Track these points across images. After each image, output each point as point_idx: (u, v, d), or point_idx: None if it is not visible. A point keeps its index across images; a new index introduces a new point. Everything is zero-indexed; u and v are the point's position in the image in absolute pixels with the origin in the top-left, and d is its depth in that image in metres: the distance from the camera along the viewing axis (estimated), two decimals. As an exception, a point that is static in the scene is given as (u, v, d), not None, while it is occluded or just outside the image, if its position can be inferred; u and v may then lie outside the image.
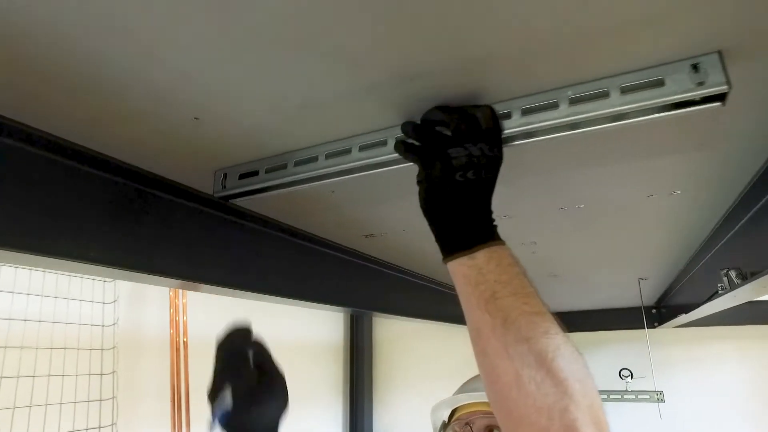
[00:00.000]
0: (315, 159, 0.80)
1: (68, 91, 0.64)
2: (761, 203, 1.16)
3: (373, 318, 4.05)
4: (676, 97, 0.62)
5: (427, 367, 4.03)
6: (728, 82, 0.60)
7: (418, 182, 0.67)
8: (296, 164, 0.82)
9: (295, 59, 0.58)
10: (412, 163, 0.75)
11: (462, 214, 0.63)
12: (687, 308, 1.97)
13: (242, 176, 0.88)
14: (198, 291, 1.09)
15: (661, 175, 1.03)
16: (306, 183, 0.83)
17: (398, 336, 4.15)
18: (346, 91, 0.66)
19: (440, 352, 3.98)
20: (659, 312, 2.93)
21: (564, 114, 0.66)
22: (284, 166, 0.83)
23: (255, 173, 0.86)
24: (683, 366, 3.22)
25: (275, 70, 0.60)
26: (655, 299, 3.00)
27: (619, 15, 0.53)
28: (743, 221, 1.29)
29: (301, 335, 3.62)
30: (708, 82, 0.61)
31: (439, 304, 2.34)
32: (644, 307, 2.44)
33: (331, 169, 0.79)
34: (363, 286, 1.59)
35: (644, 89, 0.63)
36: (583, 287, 2.41)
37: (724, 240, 1.49)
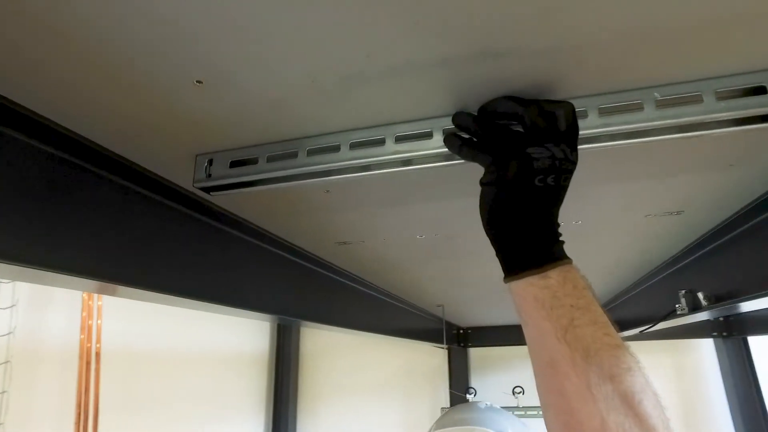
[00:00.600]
0: (336, 149, 0.66)
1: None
2: (735, 232, 1.18)
3: (301, 328, 3.85)
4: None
5: (354, 379, 3.90)
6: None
7: (485, 184, 0.56)
8: (310, 153, 0.67)
9: (359, 13, 0.45)
10: (454, 162, 0.64)
11: (535, 225, 0.54)
12: (633, 323, 2.01)
13: (235, 164, 0.71)
14: (111, 294, 0.86)
15: (665, 195, 0.99)
16: (320, 177, 0.68)
17: (326, 347, 3.97)
18: (404, 64, 0.52)
19: (368, 365, 3.87)
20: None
21: (650, 117, 0.57)
22: (294, 155, 0.67)
23: (253, 161, 0.70)
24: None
25: (328, 25, 0.46)
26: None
27: (729, 8, 0.46)
28: (710, 247, 1.31)
29: (224, 345, 3.34)
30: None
31: (386, 317, 2.23)
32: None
33: (355, 161, 0.65)
34: (303, 294, 1.43)
35: (742, 96, 0.56)
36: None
37: (683, 263, 1.52)
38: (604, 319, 0.51)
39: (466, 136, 0.59)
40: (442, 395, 3.67)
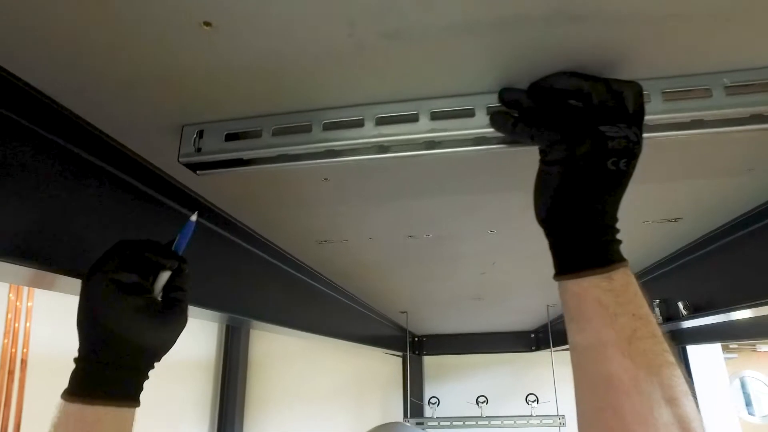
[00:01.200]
0: (359, 124, 0.56)
1: None
2: (722, 242, 1.18)
3: (251, 333, 3.66)
4: None
5: (304, 386, 3.74)
6: None
7: (551, 163, 0.48)
8: (326, 128, 0.57)
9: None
10: (492, 147, 0.56)
11: (600, 216, 0.48)
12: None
13: (231, 137, 0.60)
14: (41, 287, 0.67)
15: (667, 200, 0.96)
16: (336, 157, 0.58)
17: (275, 353, 3.78)
18: (461, 23, 0.44)
19: (318, 371, 3.72)
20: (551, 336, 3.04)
21: (716, 105, 0.52)
22: (306, 129, 0.57)
23: (255, 134, 0.59)
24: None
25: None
26: (539, 324, 3.12)
27: None
28: (694, 256, 1.31)
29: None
30: None
31: (348, 322, 2.13)
32: (551, 330, 2.49)
33: (381, 139, 0.55)
34: (260, 292, 1.30)
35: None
36: (498, 310, 2.39)
37: (660, 272, 1.52)
38: (660, 332, 0.46)
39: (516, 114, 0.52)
40: (394, 404, 3.59)
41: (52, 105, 0.56)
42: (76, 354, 0.53)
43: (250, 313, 1.06)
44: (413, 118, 0.55)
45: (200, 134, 0.60)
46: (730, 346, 4.26)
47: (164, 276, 0.57)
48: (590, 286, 0.46)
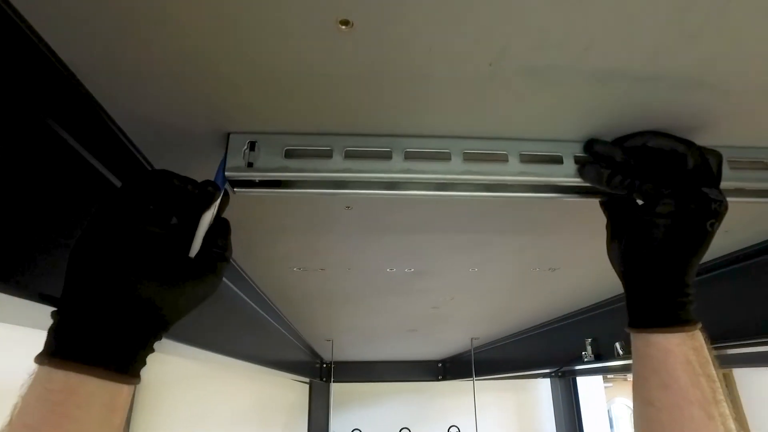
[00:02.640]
0: (447, 157, 0.52)
1: None
2: None
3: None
4: None
5: (201, 413, 3.44)
6: None
7: (658, 215, 0.49)
8: (408, 157, 0.52)
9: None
10: (569, 197, 0.56)
11: (687, 272, 0.50)
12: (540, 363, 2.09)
13: (291, 154, 0.53)
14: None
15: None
16: (420, 190, 0.54)
17: (171, 377, 3.44)
18: (606, 69, 0.43)
19: (218, 398, 3.45)
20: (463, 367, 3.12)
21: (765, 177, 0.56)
22: (386, 156, 0.52)
23: (324, 154, 0.52)
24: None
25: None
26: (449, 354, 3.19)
27: None
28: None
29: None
30: None
31: (269, 346, 2.00)
32: (474, 360, 2.55)
33: (467, 177, 0.52)
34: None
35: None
36: (426, 341, 2.40)
37: (593, 312, 1.63)
38: (723, 395, 0.48)
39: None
40: (300, 432, 3.44)
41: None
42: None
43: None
44: (502, 158, 0.52)
45: (251, 146, 0.52)
46: (608, 376, 4.72)
47: (205, 222, 0.46)
48: (680, 343, 0.47)
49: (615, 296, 1.46)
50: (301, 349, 2.60)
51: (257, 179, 0.53)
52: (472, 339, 2.29)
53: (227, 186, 0.50)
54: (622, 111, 0.50)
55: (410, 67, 0.42)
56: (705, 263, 1.12)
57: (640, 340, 0.50)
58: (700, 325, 0.48)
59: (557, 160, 0.53)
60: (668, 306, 0.48)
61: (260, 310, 1.45)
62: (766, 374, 3.65)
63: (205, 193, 0.44)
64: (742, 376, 3.71)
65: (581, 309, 1.62)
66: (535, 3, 0.35)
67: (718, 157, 0.51)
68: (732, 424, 0.45)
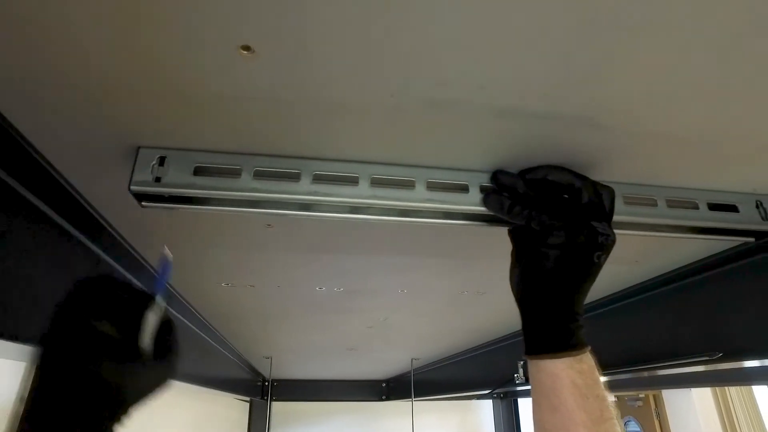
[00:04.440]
0: (354, 181, 0.54)
1: None
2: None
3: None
4: (746, 225, 0.63)
5: (129, 432, 3.28)
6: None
7: (550, 246, 0.51)
8: (315, 180, 0.53)
9: (521, 25, 0.37)
10: (475, 223, 0.58)
11: (576, 301, 0.52)
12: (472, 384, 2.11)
13: (201, 171, 0.53)
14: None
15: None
16: (325, 212, 0.55)
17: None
18: (503, 106, 0.46)
19: (152, 417, 3.31)
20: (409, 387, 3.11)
21: (661, 214, 0.61)
22: (294, 177, 0.53)
23: (233, 173, 0.53)
24: None
25: (477, 30, 0.37)
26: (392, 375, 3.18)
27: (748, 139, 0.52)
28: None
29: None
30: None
31: (206, 365, 1.94)
32: (413, 380, 2.55)
33: (374, 201, 0.54)
34: None
35: (726, 211, 0.63)
36: (368, 360, 2.38)
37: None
38: (614, 414, 0.50)
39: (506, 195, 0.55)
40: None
41: None
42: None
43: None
44: (409, 184, 0.54)
45: (160, 161, 0.52)
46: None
47: (150, 322, 0.49)
48: (567, 368, 0.49)
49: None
50: (240, 366, 2.54)
51: (166, 194, 0.53)
52: (412, 359, 2.30)
53: (159, 298, 0.51)
54: (526, 145, 0.53)
55: (314, 94, 0.44)
56: (618, 292, 1.18)
57: (533, 366, 0.52)
58: (587, 349, 0.50)
59: (463, 189, 0.55)
60: (556, 332, 0.50)
61: (192, 325, 1.42)
62: (689, 395, 3.83)
63: (145, 303, 0.49)
64: (670, 396, 3.90)
65: (513, 332, 1.67)
66: (431, 44, 0.37)
67: (612, 193, 0.55)
68: None
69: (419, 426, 3.69)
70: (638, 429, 4.43)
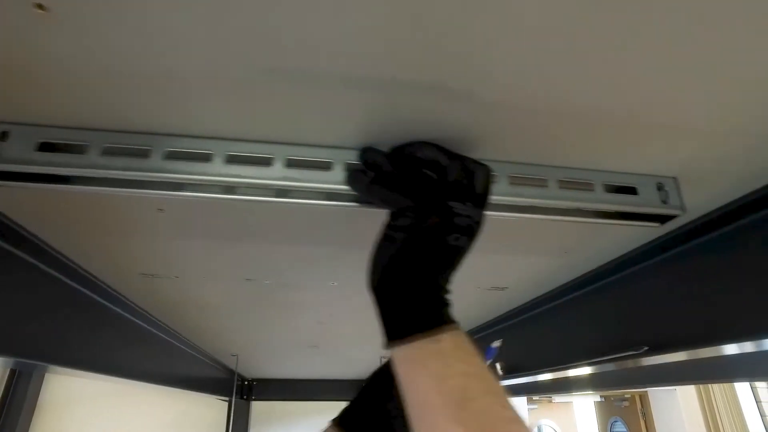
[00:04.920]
0: (207, 158, 0.51)
1: None
2: (528, 315, 1.32)
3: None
4: (647, 209, 0.60)
5: (107, 433, 3.25)
6: (683, 208, 0.61)
7: (397, 229, 0.48)
8: (168, 157, 0.50)
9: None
10: (342, 204, 0.55)
11: (432, 286, 0.47)
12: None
13: (47, 147, 0.50)
14: None
15: (491, 272, 1.05)
16: (178, 191, 0.52)
17: (77, 395, 3.25)
18: (338, 73, 0.43)
19: (131, 417, 3.28)
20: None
21: (551, 195, 0.57)
22: (144, 154, 0.50)
23: (78, 149, 0.50)
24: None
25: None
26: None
27: (637, 118, 0.49)
28: (509, 323, 1.44)
29: None
30: (669, 203, 0.61)
31: (170, 364, 1.92)
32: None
33: (230, 179, 0.51)
34: (57, 328, 1.11)
35: (619, 192, 0.60)
36: (331, 359, 2.35)
37: (482, 334, 1.64)
38: (499, 388, 0.44)
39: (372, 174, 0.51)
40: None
41: None
42: None
43: (42, 355, 0.89)
44: (265, 161, 0.51)
45: (3, 136, 0.49)
46: (533, 398, 4.79)
47: None
48: (417, 351, 0.44)
49: (499, 316, 1.48)
50: (212, 366, 2.51)
51: (8, 170, 0.50)
52: (381, 358, 2.27)
53: None
54: (400, 120, 0.49)
55: (147, 63, 0.41)
56: (550, 292, 1.16)
57: (392, 360, 0.47)
58: (448, 327, 0.45)
59: (326, 167, 0.52)
60: (405, 318, 0.46)
61: (137, 320, 1.39)
62: (673, 395, 3.80)
63: None
64: (656, 396, 3.87)
65: (471, 328, 1.64)
66: (261, 7, 0.34)
67: (486, 171, 0.51)
68: (497, 417, 0.41)
69: (401, 426, 3.65)
70: (624, 429, 4.39)
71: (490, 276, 1.06)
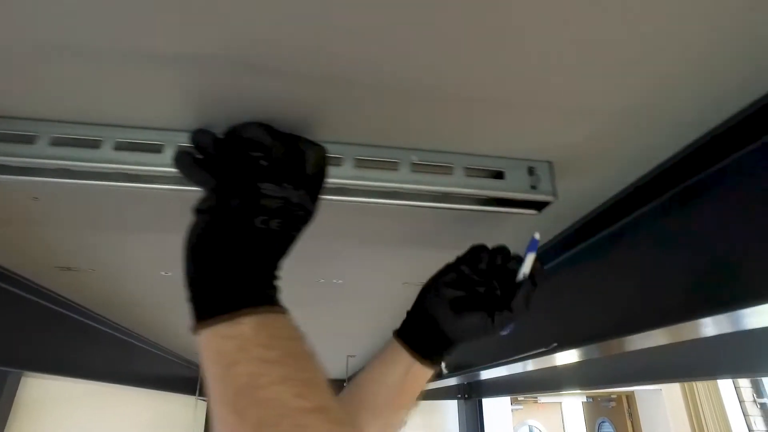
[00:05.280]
0: (31, 140, 0.49)
1: None
2: None
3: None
4: (512, 194, 0.58)
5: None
6: (555, 193, 0.59)
7: (199, 211, 0.46)
8: (55, 143, 0.49)
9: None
10: (186, 188, 0.54)
11: (242, 268, 0.44)
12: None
13: None
14: None
15: (422, 264, 1.03)
16: (62, 177, 0.51)
17: (55, 396, 3.25)
18: (146, 49, 0.41)
19: (109, 417, 3.28)
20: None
21: (402, 179, 0.55)
22: (31, 141, 0.49)
23: None
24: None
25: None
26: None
27: (493, 90, 0.47)
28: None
29: None
30: (539, 188, 0.59)
31: (136, 364, 1.91)
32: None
33: (58, 162, 0.49)
34: (20, 334, 1.12)
35: (485, 177, 0.58)
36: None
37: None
38: (305, 375, 0.41)
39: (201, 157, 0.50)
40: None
41: None
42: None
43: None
44: (93, 144, 0.50)
45: None
46: (519, 398, 4.76)
47: None
48: (213, 336, 0.41)
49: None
50: (186, 366, 2.50)
51: None
52: (348, 357, 2.25)
53: None
54: (227, 100, 0.48)
55: None
56: None
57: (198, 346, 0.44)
58: (252, 310, 0.42)
59: (156, 149, 0.51)
60: (205, 302, 0.43)
61: (123, 336, 1.38)
62: (659, 396, 3.77)
63: None
64: (642, 396, 3.83)
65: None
66: None
67: (318, 152, 0.49)
68: (286, 408, 0.37)
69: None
70: (611, 430, 4.36)
71: (418, 271, 1.04)
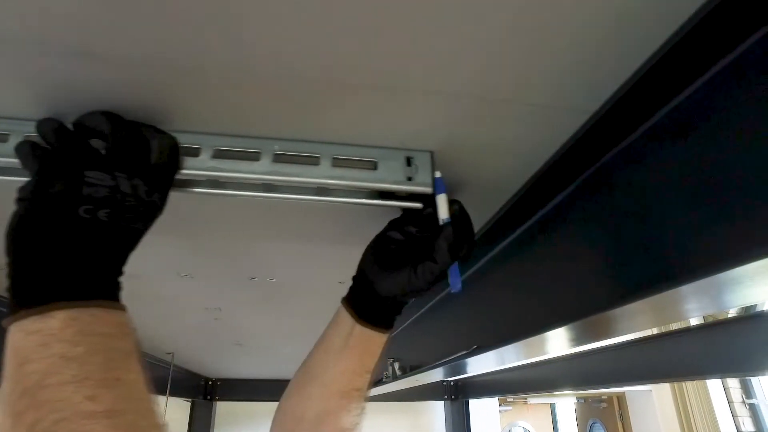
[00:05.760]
0: None
1: None
2: (422, 310, 1.28)
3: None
4: (385, 185, 0.56)
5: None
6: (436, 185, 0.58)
7: (19, 199, 0.44)
8: None
9: None
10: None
11: (60, 260, 0.42)
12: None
13: None
14: None
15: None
16: None
17: None
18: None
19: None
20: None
21: (264, 170, 0.54)
22: None
23: None
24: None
25: None
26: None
27: (359, 77, 0.45)
28: (409, 321, 1.41)
29: None
30: (416, 179, 0.57)
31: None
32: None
33: None
34: None
35: (356, 168, 0.56)
36: (269, 358, 2.33)
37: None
38: (108, 375, 0.39)
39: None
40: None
41: None
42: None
43: None
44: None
45: None
46: (508, 399, 4.72)
47: None
48: (17, 331, 0.39)
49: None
50: (163, 366, 2.50)
51: None
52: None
53: None
54: (73, 89, 0.46)
55: None
56: None
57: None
58: (64, 305, 0.40)
59: (2, 139, 0.50)
60: (19, 293, 0.41)
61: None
62: (650, 397, 3.73)
63: None
64: (633, 398, 3.79)
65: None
66: None
67: (165, 141, 0.48)
68: (65, 412, 0.36)
69: (369, 428, 3.61)
70: (603, 431, 4.32)
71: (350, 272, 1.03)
